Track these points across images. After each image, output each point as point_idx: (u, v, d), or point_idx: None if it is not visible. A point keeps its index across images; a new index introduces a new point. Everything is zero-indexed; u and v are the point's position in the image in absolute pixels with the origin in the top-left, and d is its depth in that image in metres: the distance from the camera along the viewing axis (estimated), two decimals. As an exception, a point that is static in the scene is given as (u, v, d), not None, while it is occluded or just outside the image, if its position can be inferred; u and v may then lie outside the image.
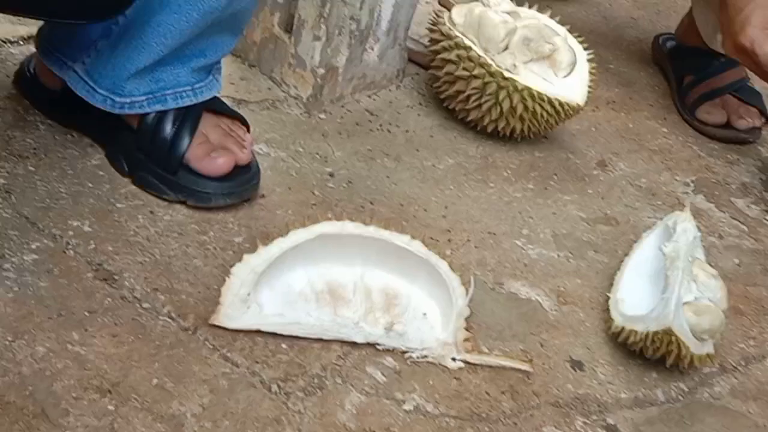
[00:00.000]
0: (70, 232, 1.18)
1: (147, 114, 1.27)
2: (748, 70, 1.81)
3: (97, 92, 1.26)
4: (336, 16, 1.53)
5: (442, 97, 1.64)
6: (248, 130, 1.36)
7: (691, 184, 1.69)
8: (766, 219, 1.65)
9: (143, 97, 1.26)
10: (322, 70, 1.56)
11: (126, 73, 1.24)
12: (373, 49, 1.62)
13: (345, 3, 1.53)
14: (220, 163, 1.27)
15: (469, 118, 1.62)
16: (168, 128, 1.27)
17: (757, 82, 1.90)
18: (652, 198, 1.62)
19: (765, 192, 1.71)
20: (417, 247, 1.21)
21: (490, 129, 1.61)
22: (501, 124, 1.59)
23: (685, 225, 1.36)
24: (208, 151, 1.28)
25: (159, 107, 1.27)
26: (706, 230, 1.57)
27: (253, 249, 1.17)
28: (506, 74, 1.54)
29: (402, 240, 1.20)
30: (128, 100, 1.26)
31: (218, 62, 1.33)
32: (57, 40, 1.29)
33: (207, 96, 1.31)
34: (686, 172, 1.72)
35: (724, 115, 1.81)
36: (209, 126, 1.30)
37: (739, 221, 1.62)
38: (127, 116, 1.29)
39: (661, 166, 1.71)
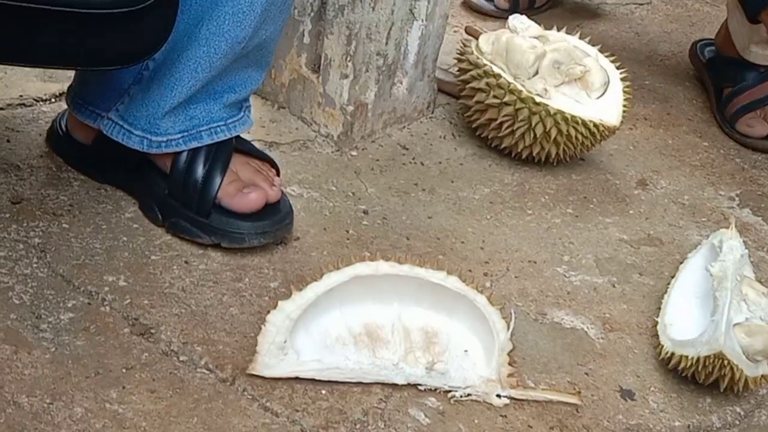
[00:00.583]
0: (106, 288, 1.19)
1: (179, 156, 1.28)
2: None
3: (134, 134, 1.27)
4: (362, 53, 1.52)
5: (475, 125, 1.62)
6: (278, 173, 1.36)
7: (736, 198, 1.64)
8: (817, 230, 1.60)
9: (179, 135, 1.27)
10: (351, 107, 1.55)
11: (161, 111, 1.25)
12: (401, 83, 1.61)
13: (371, 39, 1.52)
14: (253, 198, 1.27)
15: (503, 146, 1.60)
16: (199, 170, 1.27)
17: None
18: (697, 215, 1.58)
19: (814, 201, 1.66)
20: (453, 282, 1.18)
21: (524, 155, 1.59)
22: (536, 150, 1.57)
23: (731, 243, 1.32)
24: (240, 188, 1.28)
25: (195, 144, 1.28)
26: (755, 245, 1.53)
27: (288, 294, 1.16)
28: (537, 99, 1.52)
29: (438, 276, 1.18)
30: (164, 139, 1.27)
31: (248, 99, 1.33)
32: (88, 93, 1.31)
33: (240, 130, 1.32)
34: (730, 185, 1.67)
35: (766, 127, 1.76)
36: (239, 164, 1.31)
37: (789, 234, 1.58)
38: (160, 160, 1.30)
39: (704, 181, 1.67)
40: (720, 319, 1.20)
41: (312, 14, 1.55)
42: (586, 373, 1.23)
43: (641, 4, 2.22)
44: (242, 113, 1.32)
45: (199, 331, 1.15)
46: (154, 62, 1.24)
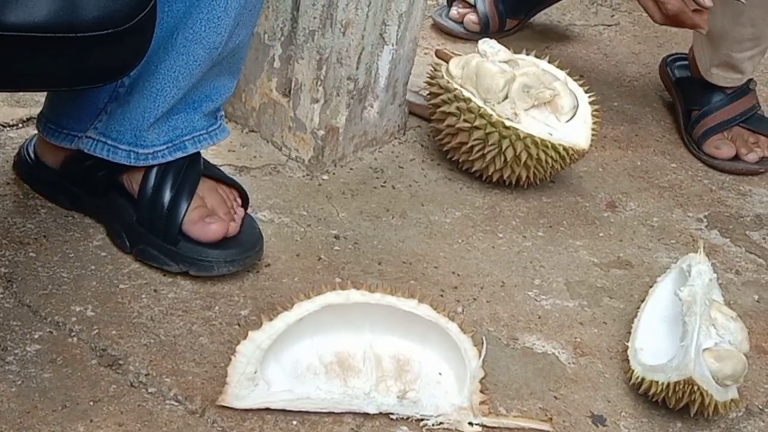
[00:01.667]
0: (73, 318, 1.17)
1: (147, 179, 1.28)
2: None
3: (120, 149, 1.27)
4: (333, 77, 1.52)
5: (445, 149, 1.62)
6: (246, 201, 1.35)
7: (705, 220, 1.66)
8: (784, 251, 1.61)
9: (164, 146, 1.27)
10: (322, 132, 1.55)
11: (146, 123, 1.25)
12: (372, 107, 1.61)
13: (341, 64, 1.52)
14: (212, 230, 1.27)
15: (474, 169, 1.60)
16: (166, 195, 1.27)
17: (765, 111, 1.88)
18: (666, 237, 1.59)
19: (781, 222, 1.68)
20: (425, 310, 1.18)
21: (495, 178, 1.59)
22: (506, 173, 1.58)
23: (699, 267, 1.33)
24: (203, 216, 1.28)
25: (180, 154, 1.28)
26: (723, 267, 1.54)
27: (259, 323, 1.15)
28: (507, 123, 1.53)
29: (409, 305, 1.18)
30: (151, 151, 1.27)
31: (221, 108, 1.34)
32: (61, 117, 1.30)
33: (222, 137, 1.33)
34: (698, 207, 1.69)
35: (733, 149, 1.78)
36: (206, 190, 1.31)
37: (756, 255, 1.59)
38: (128, 183, 1.29)
39: (673, 203, 1.68)
40: (689, 344, 1.20)
41: (282, 39, 1.55)
42: (558, 399, 1.23)
43: (609, 26, 2.24)
44: (219, 122, 1.33)
45: (168, 361, 1.14)
46: (130, 78, 1.24)
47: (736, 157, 1.78)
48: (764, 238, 1.63)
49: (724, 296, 1.41)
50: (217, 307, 1.24)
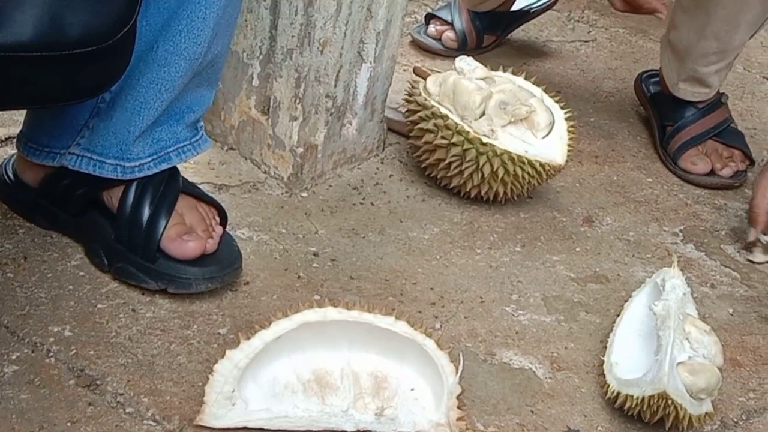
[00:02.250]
0: (51, 339, 1.17)
1: (126, 196, 1.28)
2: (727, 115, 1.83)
3: (106, 163, 1.28)
4: (311, 95, 1.54)
5: (424, 165, 1.64)
6: (224, 220, 1.36)
7: (680, 234, 1.68)
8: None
9: (149, 159, 1.28)
10: (301, 149, 1.56)
11: (131, 136, 1.26)
12: (351, 124, 1.63)
13: (319, 82, 1.54)
14: (190, 247, 1.28)
15: (452, 185, 1.61)
16: (145, 212, 1.28)
17: (739, 124, 1.91)
18: (642, 252, 1.61)
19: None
20: (402, 327, 1.19)
21: (473, 194, 1.61)
22: (484, 189, 1.59)
23: (674, 282, 1.34)
24: (181, 233, 1.29)
25: (165, 165, 1.30)
26: (698, 280, 1.56)
27: (237, 341, 1.16)
28: (484, 140, 1.54)
29: (387, 321, 1.19)
30: (137, 164, 1.28)
31: (200, 119, 1.35)
32: (42, 136, 1.30)
33: (204, 148, 1.35)
34: (674, 221, 1.71)
35: (708, 164, 1.80)
36: (186, 207, 1.32)
37: (731, 268, 1.61)
38: (108, 199, 1.30)
39: (648, 217, 1.70)
40: (663, 358, 1.22)
41: (261, 57, 1.56)
42: (535, 414, 1.24)
43: (586, 41, 2.27)
44: (201, 132, 1.35)
45: (146, 381, 1.15)
46: (111, 93, 1.25)
47: (712, 172, 1.80)
48: (739, 252, 1.65)
49: (699, 310, 1.42)
50: (195, 326, 1.25)
